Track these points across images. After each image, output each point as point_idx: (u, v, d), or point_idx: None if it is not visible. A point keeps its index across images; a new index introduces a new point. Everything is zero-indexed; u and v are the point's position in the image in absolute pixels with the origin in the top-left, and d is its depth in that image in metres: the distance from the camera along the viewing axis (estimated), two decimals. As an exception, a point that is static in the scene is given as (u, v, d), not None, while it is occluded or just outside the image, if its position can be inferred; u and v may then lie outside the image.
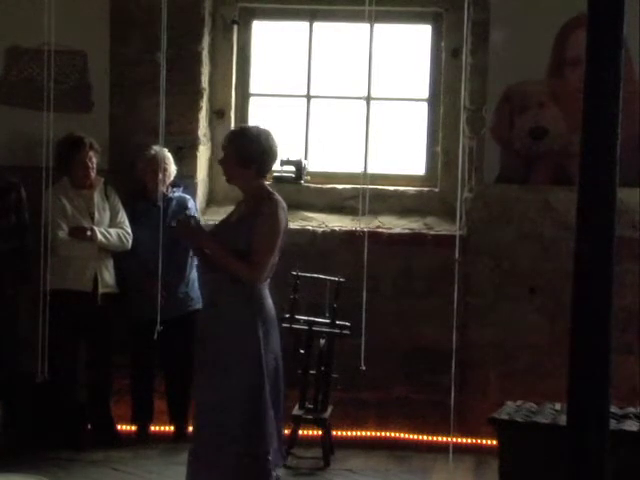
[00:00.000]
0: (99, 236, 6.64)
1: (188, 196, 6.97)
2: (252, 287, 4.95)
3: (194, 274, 6.90)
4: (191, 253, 6.84)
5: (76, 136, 6.69)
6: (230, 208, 7.17)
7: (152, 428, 7.02)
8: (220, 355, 4.93)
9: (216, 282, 5.00)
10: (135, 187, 6.93)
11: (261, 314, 4.96)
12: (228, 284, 4.94)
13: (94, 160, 6.75)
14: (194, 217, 5.22)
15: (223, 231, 5.10)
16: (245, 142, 5.03)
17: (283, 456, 5.23)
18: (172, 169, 6.87)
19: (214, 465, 4.90)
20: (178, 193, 6.94)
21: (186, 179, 7.09)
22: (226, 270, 4.93)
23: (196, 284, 6.91)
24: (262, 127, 5.18)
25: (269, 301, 5.02)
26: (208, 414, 4.95)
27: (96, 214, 6.75)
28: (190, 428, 6.96)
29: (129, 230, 6.78)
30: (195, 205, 6.98)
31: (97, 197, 6.79)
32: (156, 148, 6.70)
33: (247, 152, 5.01)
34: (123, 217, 6.80)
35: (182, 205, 6.88)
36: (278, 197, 5.04)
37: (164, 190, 6.81)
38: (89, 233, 6.64)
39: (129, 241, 6.77)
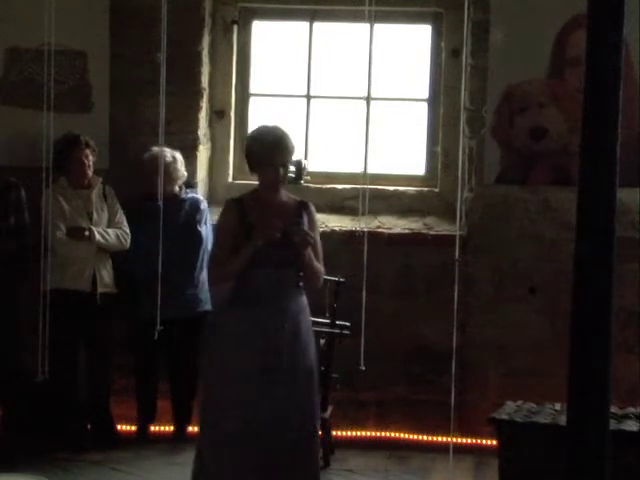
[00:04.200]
0: (97, 236, 6.63)
1: (201, 198, 6.97)
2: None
3: (204, 275, 6.87)
4: (203, 256, 6.82)
5: (72, 135, 6.69)
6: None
7: (152, 428, 7.03)
8: (300, 358, 5.02)
9: (286, 283, 5.05)
10: (144, 187, 6.92)
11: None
12: (295, 288, 5.07)
13: (90, 158, 6.75)
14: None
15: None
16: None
17: None
18: (181, 168, 6.85)
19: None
20: (191, 194, 6.93)
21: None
22: (310, 275, 5.09)
23: (206, 285, 6.88)
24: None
25: None
26: (297, 416, 4.99)
27: (94, 214, 6.75)
28: (191, 428, 7.01)
29: (127, 230, 6.77)
30: (207, 207, 6.97)
31: (95, 197, 6.79)
32: (161, 148, 6.67)
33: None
34: (121, 217, 6.80)
35: (194, 206, 6.86)
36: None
37: (177, 190, 6.81)
38: (87, 233, 6.64)
39: (127, 241, 6.76)
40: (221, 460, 4.92)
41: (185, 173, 6.91)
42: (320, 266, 5.14)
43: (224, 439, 4.92)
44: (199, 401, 5.22)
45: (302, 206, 5.16)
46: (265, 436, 4.90)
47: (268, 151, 5.05)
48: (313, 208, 5.21)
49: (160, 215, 6.67)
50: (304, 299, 5.12)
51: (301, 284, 5.09)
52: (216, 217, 7.12)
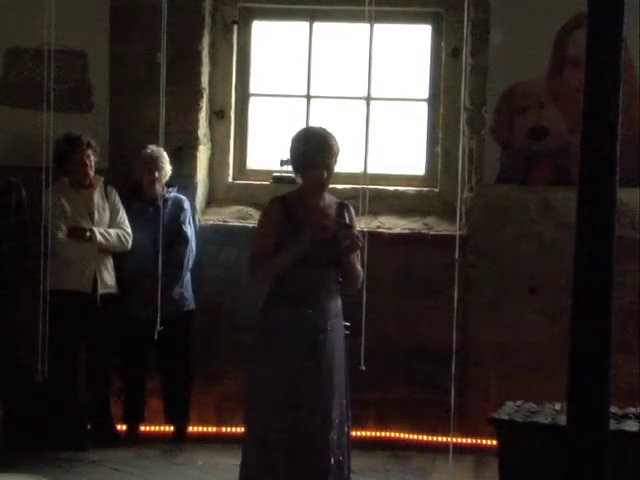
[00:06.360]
0: (98, 237, 6.63)
1: (184, 197, 6.97)
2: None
3: (189, 275, 6.90)
4: (189, 256, 6.83)
5: (74, 135, 6.69)
6: (230, 208, 7.27)
7: (152, 428, 7.02)
8: (336, 359, 5.00)
9: (327, 283, 5.02)
10: (132, 187, 6.94)
11: None
12: (335, 290, 5.04)
13: (92, 159, 6.75)
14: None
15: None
16: None
17: None
18: (167, 169, 6.86)
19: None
20: (174, 193, 6.93)
21: (186, 179, 7.09)
22: (352, 276, 5.05)
23: (190, 285, 6.91)
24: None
25: None
26: (331, 412, 4.97)
27: (96, 214, 6.75)
28: (191, 429, 7.01)
29: (129, 230, 6.77)
30: (190, 206, 6.97)
31: (97, 197, 6.79)
32: (152, 147, 6.70)
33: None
34: (123, 217, 6.80)
35: (178, 206, 6.87)
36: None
37: (160, 190, 6.81)
38: (88, 234, 6.64)
39: (129, 241, 6.76)
40: (267, 462, 4.89)
41: (169, 171, 6.91)
42: (359, 268, 5.11)
43: (272, 439, 4.88)
44: (244, 401, 5.22)
45: (343, 207, 5.13)
46: (303, 436, 4.89)
47: (311, 153, 4.96)
48: (353, 209, 5.18)
49: (148, 214, 6.73)
50: (340, 301, 5.08)
51: (339, 287, 5.07)
52: (215, 217, 7.18)
